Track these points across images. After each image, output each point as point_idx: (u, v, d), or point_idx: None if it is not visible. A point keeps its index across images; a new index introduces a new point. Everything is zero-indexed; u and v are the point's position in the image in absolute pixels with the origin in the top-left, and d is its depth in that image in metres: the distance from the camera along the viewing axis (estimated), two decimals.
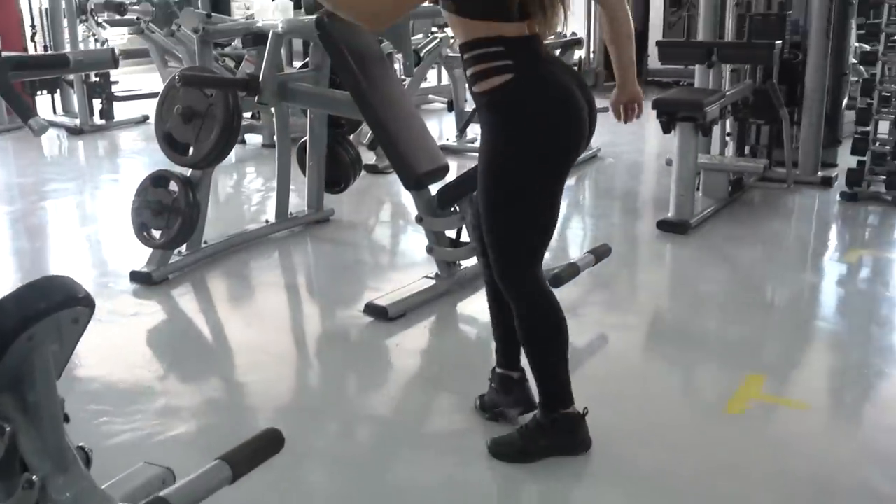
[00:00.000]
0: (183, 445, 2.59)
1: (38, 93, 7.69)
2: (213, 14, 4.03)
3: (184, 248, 4.15)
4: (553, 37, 6.89)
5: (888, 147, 5.01)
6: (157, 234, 3.98)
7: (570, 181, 5.74)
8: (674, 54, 5.73)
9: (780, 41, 4.99)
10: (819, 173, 5.48)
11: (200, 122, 3.75)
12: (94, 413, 2.76)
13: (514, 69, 2.09)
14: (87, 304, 1.55)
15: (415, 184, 3.72)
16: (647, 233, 4.75)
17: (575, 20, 9.78)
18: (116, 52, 2.37)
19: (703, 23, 5.58)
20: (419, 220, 3.79)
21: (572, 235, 4.84)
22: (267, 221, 4.71)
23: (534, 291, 2.31)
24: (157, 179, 3.95)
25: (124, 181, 5.88)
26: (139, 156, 6.83)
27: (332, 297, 3.98)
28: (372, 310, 3.56)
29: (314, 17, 3.72)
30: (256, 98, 3.77)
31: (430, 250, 3.82)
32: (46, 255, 4.79)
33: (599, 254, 3.72)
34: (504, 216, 2.24)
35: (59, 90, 7.90)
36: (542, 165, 2.16)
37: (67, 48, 7.46)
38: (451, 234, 3.80)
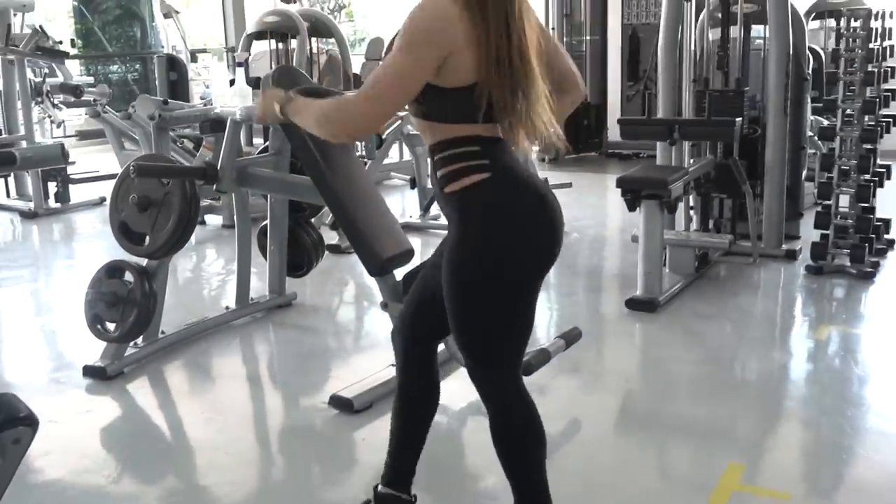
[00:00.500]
0: None
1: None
2: (169, 100, 3.98)
3: (140, 339, 4.03)
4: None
5: (850, 220, 5.06)
6: (111, 326, 3.86)
7: None
8: (635, 132, 5.78)
9: (740, 117, 5.05)
10: (783, 246, 5.51)
11: (157, 211, 3.67)
12: None
13: (491, 168, 2.02)
14: (30, 423, 1.44)
15: (379, 270, 3.64)
16: (615, 311, 4.71)
17: None
18: (66, 146, 2.30)
19: (663, 100, 5.64)
20: (384, 306, 3.70)
21: (539, 315, 4.77)
22: (227, 308, 4.59)
23: (514, 397, 2.21)
24: (112, 270, 3.84)
25: (80, 267, 5.73)
26: (96, 239, 6.69)
27: (295, 388, 3.86)
28: (337, 402, 3.45)
29: None
30: (215, 186, 3.70)
31: (384, 306, 3.73)
32: None
33: (570, 338, 3.67)
34: (482, 318, 2.12)
35: (11, 172, 7.76)
36: (521, 266, 2.07)
37: (21, 131, 7.37)
38: None
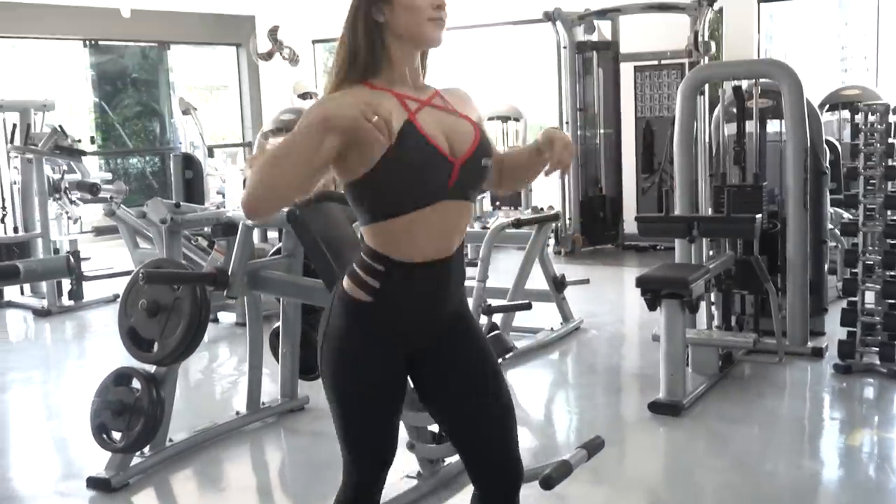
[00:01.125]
0: None
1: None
2: (182, 203, 3.95)
3: (147, 448, 3.91)
4: (529, 211, 6.94)
5: (877, 317, 4.92)
6: (117, 435, 3.74)
7: (553, 355, 5.71)
8: (654, 230, 5.71)
9: (760, 213, 4.97)
10: (809, 344, 5.36)
11: (166, 317, 3.59)
12: None
13: None
14: None
15: None
16: (637, 415, 4.55)
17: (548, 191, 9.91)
18: (71, 260, 2.25)
19: (680, 196, 5.58)
20: (411, 447, 3.59)
21: (558, 420, 4.64)
22: (238, 413, 4.47)
23: None
24: (119, 377, 3.75)
25: (91, 368, 5.64)
26: (109, 338, 6.57)
27: (307, 500, 3.72)
28: None
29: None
30: (225, 292, 3.64)
31: (411, 447, 3.59)
32: None
33: (592, 448, 3.49)
34: None
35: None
36: None
37: (38, 228, 7.39)
38: (434, 428, 3.60)
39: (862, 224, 4.98)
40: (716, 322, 5.48)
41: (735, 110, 5.59)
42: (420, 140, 1.88)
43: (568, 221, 9.34)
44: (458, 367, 2.08)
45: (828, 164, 6.01)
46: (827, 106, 8.67)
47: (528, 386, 5.22)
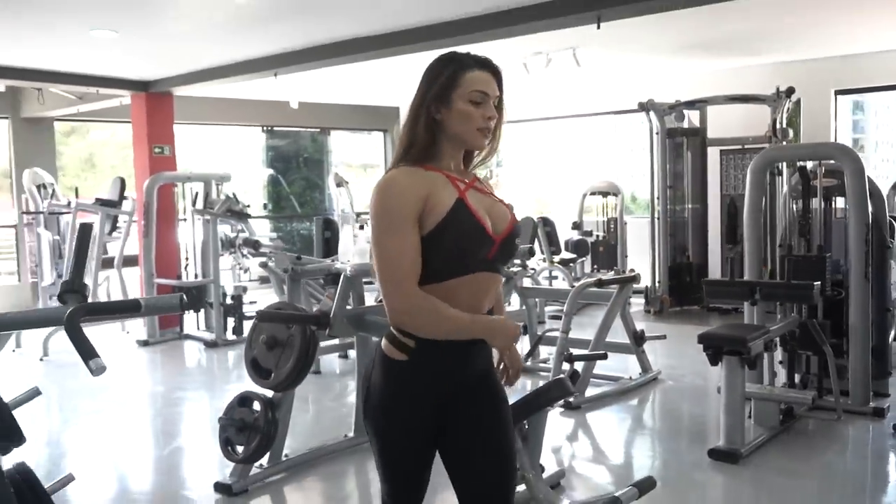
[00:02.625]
0: None
1: (188, 311, 7.87)
2: (302, 256, 4.01)
3: (265, 460, 3.92)
4: (612, 272, 6.70)
5: None
6: (239, 449, 3.78)
7: (630, 401, 5.43)
8: (719, 292, 5.40)
9: (820, 281, 4.60)
10: (871, 404, 4.88)
11: (281, 351, 3.62)
12: None
13: None
14: None
15: None
16: (697, 460, 4.23)
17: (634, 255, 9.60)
18: (184, 298, 2.31)
19: (748, 263, 5.25)
20: (522, 478, 3.45)
21: (622, 460, 4.37)
22: (346, 436, 4.44)
23: None
24: (243, 400, 3.80)
25: (240, 390, 5.76)
26: None
27: None
28: None
29: None
30: (327, 331, 3.64)
31: None
32: (150, 458, 4.61)
33: (644, 487, 3.27)
34: None
35: (203, 310, 8.07)
36: None
37: (211, 275, 7.71)
38: None
39: None
40: (782, 380, 5.09)
41: (801, 188, 5.24)
42: (469, 216, 1.84)
43: (657, 284, 8.99)
44: (474, 424, 1.95)
45: (893, 240, 5.55)
46: None
47: (600, 426, 4.97)
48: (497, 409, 1.98)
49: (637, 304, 9.17)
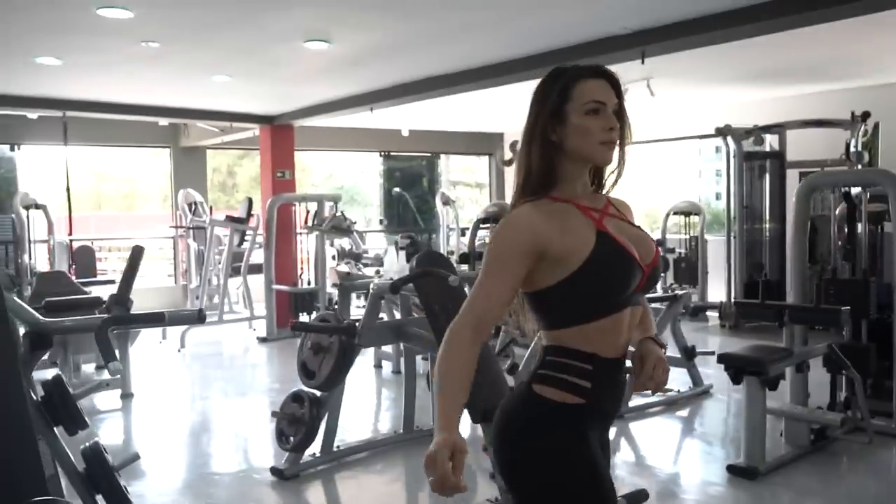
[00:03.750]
0: None
1: (301, 313, 8.21)
2: (351, 272, 4.12)
3: (318, 450, 4.07)
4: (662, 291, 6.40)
5: None
6: (292, 439, 3.94)
7: (675, 413, 5.17)
8: (751, 314, 5.06)
9: (850, 306, 4.22)
10: None
11: (323, 356, 3.76)
12: None
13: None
14: None
15: (478, 417, 3.41)
16: (718, 474, 3.99)
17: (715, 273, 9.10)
18: (203, 312, 2.45)
19: (794, 286, 4.87)
20: (485, 449, 3.44)
21: (643, 468, 4.19)
22: (395, 432, 4.53)
23: None
24: (295, 397, 3.96)
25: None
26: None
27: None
28: None
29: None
30: (356, 340, 3.74)
31: (493, 477, 3.43)
32: (231, 442, 4.83)
33: (636, 499, 3.14)
34: None
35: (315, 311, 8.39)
36: None
37: (320, 283, 8.02)
38: None
39: None
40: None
41: (847, 213, 4.84)
42: (618, 248, 1.55)
43: (732, 300, 8.51)
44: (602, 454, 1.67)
45: None
46: None
47: (637, 435, 4.77)
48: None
49: (714, 318, 8.73)
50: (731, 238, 8.56)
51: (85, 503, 3.09)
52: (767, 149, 8.74)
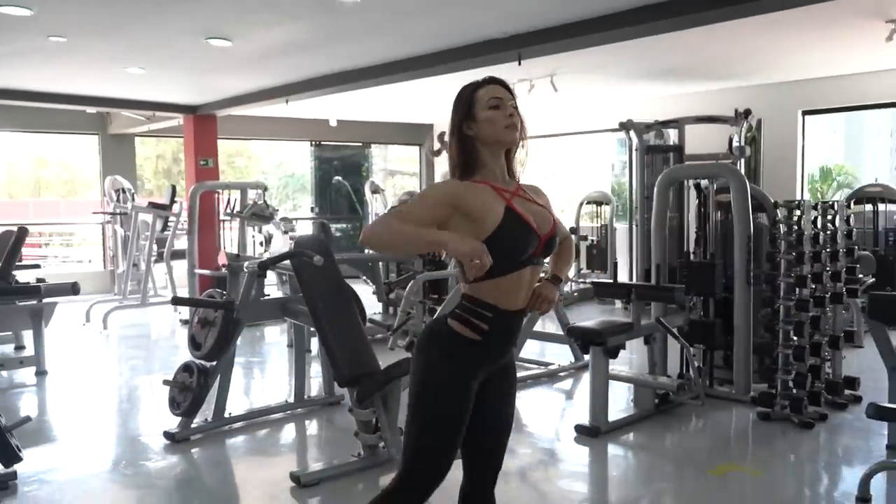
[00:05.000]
0: None
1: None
2: (239, 255, 4.49)
3: (210, 416, 4.46)
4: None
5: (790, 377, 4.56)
6: (182, 406, 4.32)
7: (561, 383, 5.68)
8: (604, 292, 5.61)
9: (698, 286, 4.77)
10: (751, 394, 5.02)
11: (209, 329, 4.15)
12: None
13: None
14: None
15: (345, 382, 3.85)
16: (566, 434, 4.50)
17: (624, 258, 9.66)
18: (77, 284, 2.82)
19: (654, 268, 5.44)
20: (350, 411, 3.88)
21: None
22: (287, 401, 4.94)
23: None
24: (186, 367, 4.34)
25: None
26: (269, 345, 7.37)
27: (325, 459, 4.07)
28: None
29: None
30: (234, 315, 4.14)
31: (356, 434, 3.87)
32: (129, 410, 5.19)
33: None
34: None
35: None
36: None
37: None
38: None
39: (780, 298, 4.67)
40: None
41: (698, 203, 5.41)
42: (521, 221, 1.98)
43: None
44: (496, 395, 2.12)
45: None
46: (854, 199, 7.96)
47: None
48: (513, 383, 2.19)
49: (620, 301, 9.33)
50: (634, 226, 9.17)
51: None
52: (669, 143, 9.35)
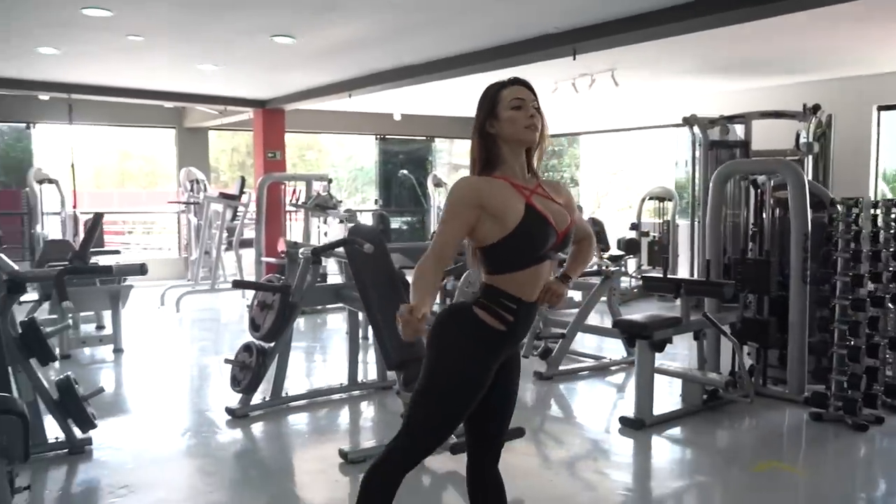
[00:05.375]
0: None
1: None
2: (298, 242, 4.70)
3: (269, 395, 4.71)
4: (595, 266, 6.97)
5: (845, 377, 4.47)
6: (242, 383, 4.58)
7: (613, 377, 5.72)
8: (654, 287, 5.58)
9: (754, 283, 4.73)
10: (805, 394, 4.94)
11: (267, 312, 4.39)
12: None
13: None
14: None
15: (394, 366, 4.01)
16: (613, 426, 4.54)
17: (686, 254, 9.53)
18: (144, 265, 3.07)
19: (713, 266, 5.41)
20: (398, 393, 4.05)
21: (557, 421, 4.74)
22: (341, 384, 5.15)
23: None
24: (246, 347, 4.59)
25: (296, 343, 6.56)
26: (330, 333, 7.63)
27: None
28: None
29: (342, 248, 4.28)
30: (291, 298, 4.35)
31: (403, 417, 4.02)
32: (197, 386, 5.51)
33: (508, 436, 3.71)
34: None
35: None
36: None
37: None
38: None
39: (836, 297, 4.57)
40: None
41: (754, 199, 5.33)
42: (540, 217, 2.06)
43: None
44: (507, 378, 2.24)
45: None
46: None
47: (565, 394, 5.32)
48: (518, 368, 2.31)
49: None
50: (696, 223, 9.04)
51: (59, 425, 3.78)
52: (735, 138, 9.17)
